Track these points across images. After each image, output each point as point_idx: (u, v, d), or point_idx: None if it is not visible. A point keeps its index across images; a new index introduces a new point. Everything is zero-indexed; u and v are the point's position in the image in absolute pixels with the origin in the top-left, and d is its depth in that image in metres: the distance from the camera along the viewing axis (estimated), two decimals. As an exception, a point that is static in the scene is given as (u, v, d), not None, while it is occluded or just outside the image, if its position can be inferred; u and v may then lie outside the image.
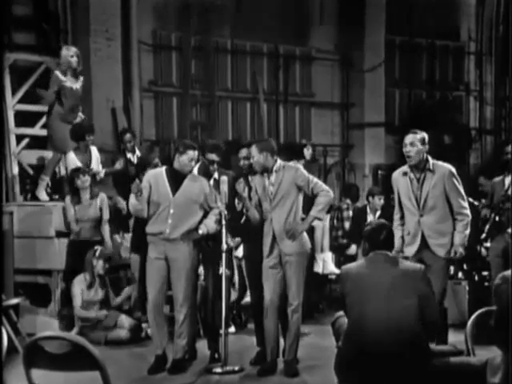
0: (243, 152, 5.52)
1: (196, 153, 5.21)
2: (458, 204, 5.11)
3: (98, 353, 2.94)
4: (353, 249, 7.57)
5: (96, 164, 7.03)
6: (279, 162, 5.20)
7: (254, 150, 5.16)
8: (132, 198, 5.21)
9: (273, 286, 5.13)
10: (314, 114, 10.83)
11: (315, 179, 5.17)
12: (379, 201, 7.50)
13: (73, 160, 6.88)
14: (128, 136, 7.67)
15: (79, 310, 6.21)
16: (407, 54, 11.24)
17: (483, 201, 6.95)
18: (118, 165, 7.25)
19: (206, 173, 5.60)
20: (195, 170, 5.58)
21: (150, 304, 5.27)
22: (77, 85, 6.97)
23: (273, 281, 5.13)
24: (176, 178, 5.21)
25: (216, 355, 5.43)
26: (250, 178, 5.30)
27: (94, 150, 7.09)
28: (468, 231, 5.14)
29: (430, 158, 5.16)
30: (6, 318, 5.61)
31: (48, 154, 7.52)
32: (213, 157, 5.53)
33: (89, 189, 6.58)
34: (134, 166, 7.32)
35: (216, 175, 5.57)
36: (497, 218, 6.39)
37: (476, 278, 6.94)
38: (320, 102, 10.84)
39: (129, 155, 7.55)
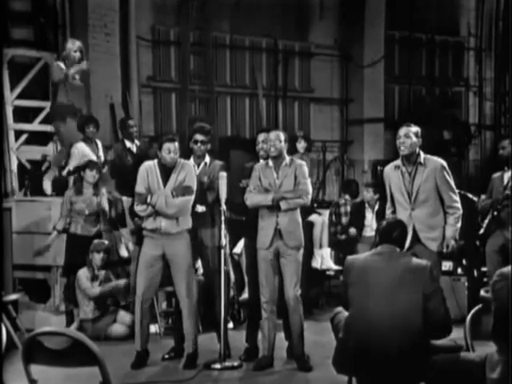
0: (262, 136, 5.49)
1: (173, 144, 5.20)
2: (449, 198, 5.13)
3: (97, 348, 2.94)
4: (353, 230, 7.53)
5: (102, 157, 7.12)
6: (287, 156, 5.27)
7: (281, 135, 5.21)
8: (138, 206, 5.23)
9: (271, 280, 5.16)
10: (313, 110, 10.82)
11: (307, 181, 5.21)
12: (366, 193, 7.46)
13: (83, 150, 6.91)
14: (131, 122, 7.62)
15: (90, 288, 6.15)
16: (407, 49, 11.22)
17: (482, 196, 6.95)
18: (109, 156, 7.25)
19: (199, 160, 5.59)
20: (191, 160, 5.55)
21: (138, 299, 5.25)
22: (75, 70, 6.94)
23: (271, 274, 5.16)
24: (166, 171, 5.25)
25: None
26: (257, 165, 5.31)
27: (98, 142, 7.15)
28: (459, 224, 5.16)
29: (421, 153, 5.19)
30: (5, 314, 5.61)
31: (46, 150, 7.53)
32: (197, 137, 5.51)
33: (92, 185, 6.59)
34: (133, 157, 7.28)
35: (207, 159, 5.57)
36: (495, 214, 6.40)
37: (475, 273, 6.94)
38: (319, 98, 10.83)
39: (128, 144, 7.50)
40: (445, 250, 5.14)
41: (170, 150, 5.19)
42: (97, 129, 7.08)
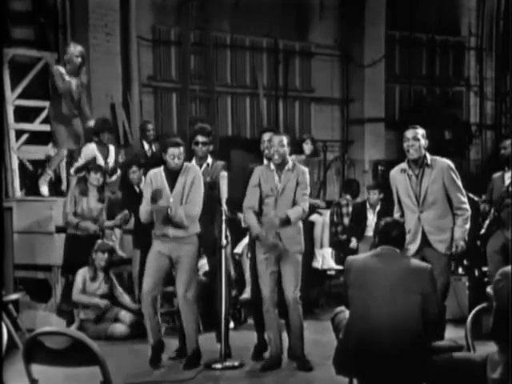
0: (267, 136, 5.46)
1: (178, 149, 5.18)
2: (457, 199, 5.08)
3: (97, 348, 2.94)
4: (354, 243, 7.54)
5: (112, 162, 7.15)
6: (290, 160, 5.24)
7: (284, 139, 5.16)
8: (143, 214, 5.26)
9: (271, 282, 5.15)
10: (314, 110, 10.83)
11: (307, 191, 5.18)
12: (372, 195, 7.47)
13: (93, 150, 6.97)
14: (149, 125, 7.75)
15: (77, 294, 6.17)
16: (407, 48, 11.23)
17: (483, 196, 6.95)
18: (121, 158, 7.32)
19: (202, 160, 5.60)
20: (193, 162, 5.56)
21: (144, 295, 5.26)
22: (77, 81, 7.00)
23: (270, 275, 5.15)
24: (172, 176, 5.25)
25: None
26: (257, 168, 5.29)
27: (111, 148, 7.18)
28: (468, 225, 5.12)
29: (427, 154, 5.14)
30: (5, 314, 5.60)
31: (48, 149, 7.53)
32: (198, 138, 5.51)
33: (97, 188, 6.59)
34: (146, 161, 7.31)
35: (210, 160, 5.56)
36: (496, 214, 6.39)
37: (476, 273, 6.94)
38: (320, 97, 10.83)
39: (146, 147, 7.57)
40: (453, 251, 5.09)
41: (175, 155, 5.18)
42: (111, 134, 7.18)
